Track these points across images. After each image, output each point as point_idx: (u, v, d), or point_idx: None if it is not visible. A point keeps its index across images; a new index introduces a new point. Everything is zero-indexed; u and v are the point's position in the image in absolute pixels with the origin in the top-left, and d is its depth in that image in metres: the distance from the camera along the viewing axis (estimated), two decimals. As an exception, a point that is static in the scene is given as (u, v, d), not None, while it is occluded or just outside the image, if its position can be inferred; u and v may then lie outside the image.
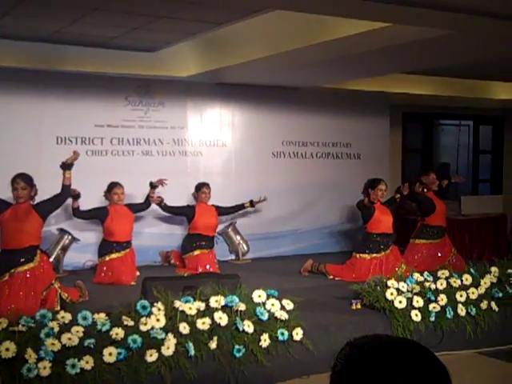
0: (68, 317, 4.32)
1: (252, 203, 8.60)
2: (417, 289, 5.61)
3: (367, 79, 9.03)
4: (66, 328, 4.22)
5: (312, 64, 7.24)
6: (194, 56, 7.90)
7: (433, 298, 5.58)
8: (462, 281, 5.88)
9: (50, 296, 5.76)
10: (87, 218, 7.48)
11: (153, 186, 7.78)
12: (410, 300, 5.49)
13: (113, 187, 7.42)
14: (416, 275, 5.80)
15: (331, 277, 7.55)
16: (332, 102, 9.69)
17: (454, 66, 7.97)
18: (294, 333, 4.82)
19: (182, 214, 8.15)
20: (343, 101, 9.74)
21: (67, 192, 6.29)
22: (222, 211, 8.31)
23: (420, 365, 1.28)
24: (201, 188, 8.07)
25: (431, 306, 5.52)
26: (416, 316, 5.41)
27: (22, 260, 5.74)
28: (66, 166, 6.18)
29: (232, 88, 8.87)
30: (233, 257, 8.88)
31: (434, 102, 10.46)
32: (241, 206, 8.58)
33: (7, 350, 3.91)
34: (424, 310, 5.48)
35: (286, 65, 7.40)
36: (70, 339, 4.13)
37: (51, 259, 6.91)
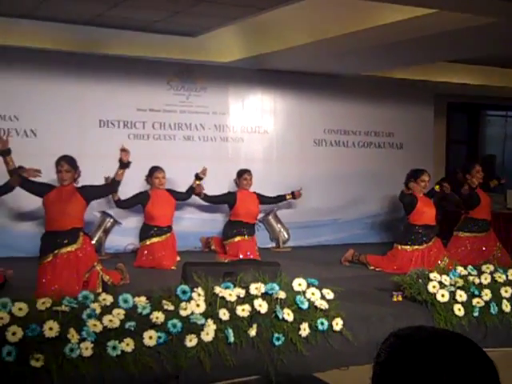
0: (109, 299, 4.33)
1: (293, 195, 8.54)
2: (460, 283, 5.49)
3: (412, 67, 8.89)
4: (107, 310, 4.24)
5: (355, 51, 7.15)
6: (236, 41, 7.87)
7: (477, 293, 5.46)
8: (507, 276, 5.74)
9: (92, 278, 5.80)
10: (131, 206, 7.51)
11: (199, 177, 7.77)
12: (452, 294, 5.38)
13: (154, 171, 7.44)
14: (459, 269, 5.68)
15: (372, 267, 7.48)
16: (375, 91, 9.57)
17: (501, 55, 7.78)
18: (333, 323, 4.77)
19: (223, 202, 8.14)
20: (387, 89, 9.61)
21: (116, 187, 6.39)
22: (263, 200, 8.28)
23: (467, 358, 1.25)
24: (242, 174, 8.05)
25: (475, 301, 5.40)
26: (459, 310, 5.30)
27: (65, 241, 5.80)
28: (124, 165, 6.16)
29: (274, 74, 8.82)
30: (273, 244, 8.86)
31: (481, 91, 10.25)
32: (282, 197, 8.54)
33: (51, 329, 3.94)
34: (467, 305, 5.36)
35: (329, 51, 7.32)
36: (111, 321, 4.15)
37: (93, 242, 6.96)
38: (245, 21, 6.86)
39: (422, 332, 1.32)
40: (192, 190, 7.79)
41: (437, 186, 7.80)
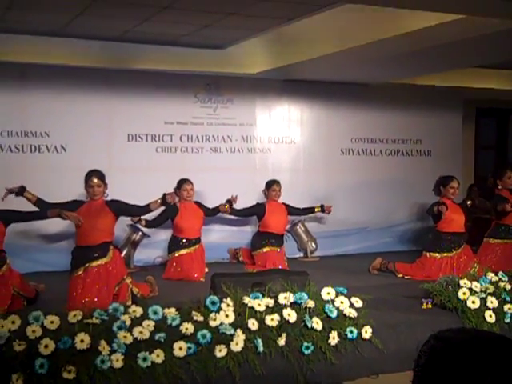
0: (139, 311, 4.39)
1: (322, 208, 8.54)
2: (491, 289, 5.44)
3: (439, 74, 8.84)
4: (137, 322, 4.29)
5: (382, 59, 7.13)
6: (263, 52, 7.91)
7: (508, 299, 5.41)
8: (538, 282, 5.67)
9: (122, 291, 5.87)
10: (161, 223, 7.47)
11: (230, 203, 7.84)
12: (483, 300, 5.33)
13: (182, 183, 7.50)
14: (490, 275, 5.63)
15: (400, 275, 7.44)
16: (402, 98, 9.53)
17: (530, 60, 7.70)
18: (363, 331, 4.76)
19: (252, 214, 8.16)
20: (414, 96, 9.56)
21: (147, 212, 6.44)
22: (291, 211, 8.29)
23: (510, 359, 1.23)
24: (271, 185, 8.07)
25: (506, 307, 5.35)
26: (490, 317, 5.25)
27: (95, 255, 5.87)
28: (165, 203, 6.25)
29: (300, 84, 8.85)
30: (301, 254, 8.86)
31: (509, 96, 10.13)
32: (311, 210, 8.54)
33: (82, 341, 4.00)
34: (498, 311, 5.31)
35: (356, 60, 7.31)
36: (141, 333, 4.19)
37: (122, 254, 7.04)
38: (271, 32, 6.91)
39: (463, 334, 1.32)
40: (218, 210, 7.83)
41: (469, 202, 7.70)
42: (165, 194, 6.17)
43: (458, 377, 1.21)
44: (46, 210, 5.96)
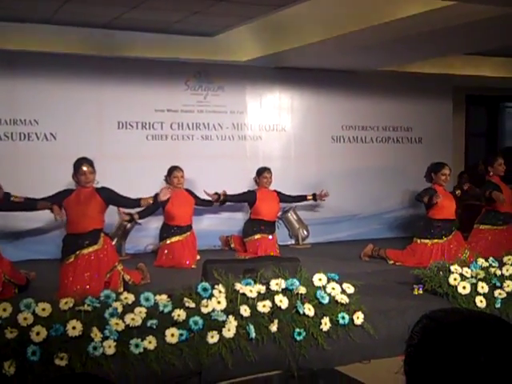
0: (131, 298, 4.38)
1: (315, 197, 8.55)
2: (481, 274, 5.48)
3: (429, 61, 8.84)
4: (129, 308, 4.28)
5: (372, 46, 7.12)
6: (253, 40, 7.88)
7: (498, 284, 5.44)
8: (529, 267, 5.71)
9: (113, 278, 5.86)
10: (153, 212, 7.35)
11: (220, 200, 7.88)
12: (474, 286, 5.36)
13: (173, 171, 7.49)
14: (480, 261, 5.65)
15: (391, 262, 7.47)
16: (393, 86, 9.53)
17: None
18: (354, 317, 4.77)
19: (243, 200, 8.18)
20: (404, 84, 9.56)
21: (137, 207, 6.49)
22: (283, 198, 8.30)
23: (504, 339, 1.23)
24: (262, 173, 8.07)
25: (497, 293, 5.38)
26: (481, 302, 5.28)
27: (86, 242, 5.86)
28: (156, 202, 6.37)
29: (291, 72, 8.83)
30: (293, 241, 8.87)
31: (499, 83, 10.16)
32: (303, 197, 8.54)
33: (74, 328, 3.99)
34: (489, 297, 5.34)
35: (346, 47, 7.30)
36: (133, 319, 4.19)
37: (113, 242, 7.02)
38: (262, 19, 6.88)
39: (456, 314, 1.32)
40: (209, 202, 7.85)
41: (458, 191, 7.71)
42: (157, 194, 6.23)
43: (450, 357, 1.22)
44: (35, 203, 5.97)
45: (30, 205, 6.08)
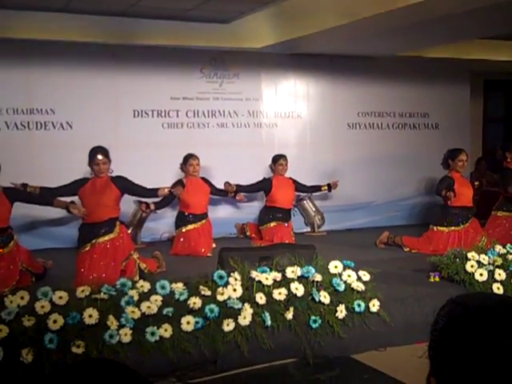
0: (147, 286, 4.40)
1: (330, 187, 8.50)
2: (499, 261, 5.44)
3: (446, 46, 8.75)
4: (145, 297, 4.30)
5: (389, 31, 7.05)
6: (268, 26, 7.84)
7: (516, 271, 5.40)
8: (546, 254, 5.65)
9: (129, 266, 5.89)
10: (170, 202, 7.31)
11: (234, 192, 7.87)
12: (491, 273, 5.33)
13: (188, 158, 7.49)
14: (498, 247, 5.62)
15: (407, 249, 7.44)
16: (409, 71, 9.44)
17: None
18: (370, 304, 4.77)
19: (259, 189, 8.14)
20: (421, 69, 9.47)
21: (154, 197, 6.51)
22: (298, 187, 8.27)
23: None
24: (278, 160, 8.05)
25: (514, 279, 5.35)
26: (498, 289, 5.24)
27: (102, 231, 5.89)
28: (172, 195, 6.58)
29: (306, 58, 8.78)
30: (308, 229, 8.86)
31: (518, 68, 10.04)
32: (317, 188, 8.52)
33: (90, 316, 4.03)
34: (506, 283, 5.30)
35: (362, 33, 7.24)
36: (149, 307, 4.21)
37: (129, 231, 7.04)
38: (276, 5, 6.83)
39: (482, 299, 1.31)
40: (224, 192, 7.82)
41: (476, 183, 7.66)
42: (173, 185, 6.23)
43: (477, 342, 1.21)
44: (51, 197, 6.00)
45: (46, 200, 6.08)
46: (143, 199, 6.91)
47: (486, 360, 1.19)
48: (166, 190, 6.28)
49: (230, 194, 7.87)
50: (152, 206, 7.01)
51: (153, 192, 6.31)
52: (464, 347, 1.22)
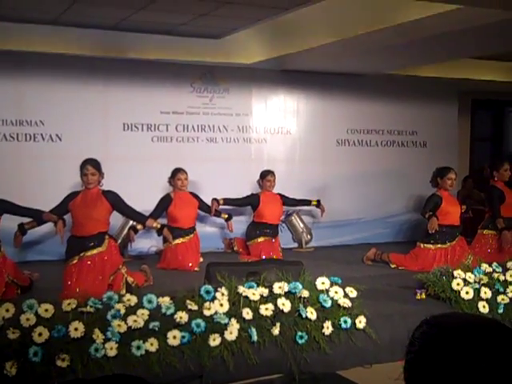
0: (134, 299, 4.39)
1: (319, 204, 8.51)
2: (485, 280, 5.47)
3: (435, 65, 8.84)
4: (131, 310, 4.29)
5: (379, 49, 7.12)
6: (259, 42, 7.89)
7: (501, 290, 5.43)
8: (532, 273, 5.69)
9: (117, 280, 5.86)
10: (159, 217, 7.19)
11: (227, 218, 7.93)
12: (477, 291, 5.36)
13: (176, 173, 7.49)
14: (484, 266, 5.64)
15: (394, 266, 7.46)
16: (398, 89, 9.52)
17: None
18: (357, 321, 4.77)
19: (246, 204, 8.16)
20: (410, 87, 9.56)
21: (137, 221, 6.52)
22: (287, 201, 8.29)
23: (505, 344, 1.22)
24: (266, 176, 8.07)
25: (500, 298, 5.37)
26: (484, 308, 5.27)
27: (91, 244, 5.87)
28: (159, 233, 6.56)
29: (297, 75, 8.83)
30: (296, 245, 8.86)
31: (506, 88, 10.13)
32: (307, 202, 8.53)
33: (76, 329, 4.00)
34: (492, 302, 5.33)
35: (352, 51, 7.30)
36: (135, 321, 4.20)
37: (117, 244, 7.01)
38: (268, 22, 6.88)
39: (457, 319, 1.30)
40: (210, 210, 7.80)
41: (463, 207, 7.66)
42: (163, 226, 6.31)
43: (453, 362, 1.21)
44: (40, 211, 5.97)
45: (35, 214, 6.04)
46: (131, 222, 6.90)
47: (462, 380, 1.19)
48: (157, 224, 6.26)
49: (213, 212, 7.81)
50: (139, 226, 6.91)
51: (141, 218, 6.29)
52: (440, 368, 1.22)
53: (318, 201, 8.52)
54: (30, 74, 7.61)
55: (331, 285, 4.86)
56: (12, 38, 7.04)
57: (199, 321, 4.33)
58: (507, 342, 1.23)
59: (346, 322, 4.72)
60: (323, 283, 4.84)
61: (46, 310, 4.12)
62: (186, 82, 8.42)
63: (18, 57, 7.38)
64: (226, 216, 7.89)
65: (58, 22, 6.92)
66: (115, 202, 6.02)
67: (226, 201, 7.89)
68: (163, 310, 4.36)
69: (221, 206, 7.92)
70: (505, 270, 5.66)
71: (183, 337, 4.26)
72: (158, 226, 6.40)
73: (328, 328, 4.64)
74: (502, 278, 5.54)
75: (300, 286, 4.73)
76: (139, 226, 6.79)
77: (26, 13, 6.60)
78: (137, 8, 6.39)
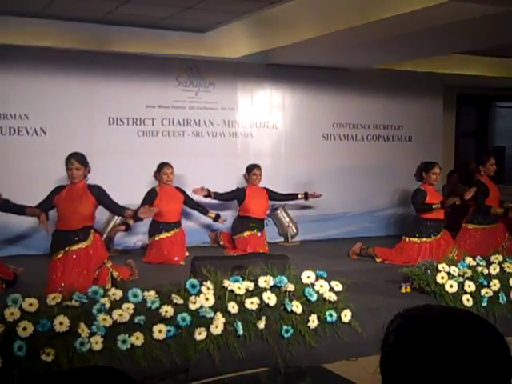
0: (119, 294, 4.38)
1: (306, 196, 8.53)
2: (469, 273, 5.51)
3: (420, 60, 8.87)
4: (117, 304, 4.28)
5: (364, 44, 7.14)
6: (245, 36, 7.88)
7: (485, 283, 5.48)
8: (516, 266, 5.74)
9: (102, 275, 5.84)
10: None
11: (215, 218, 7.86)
12: (461, 284, 5.39)
13: (162, 167, 7.47)
14: (468, 259, 5.69)
15: (380, 260, 7.49)
16: (384, 84, 9.55)
17: (511, 46, 7.73)
18: (342, 314, 4.80)
19: (232, 198, 8.14)
20: (395, 82, 9.58)
21: (119, 215, 6.57)
22: (273, 196, 8.28)
23: (480, 334, 1.23)
24: (252, 170, 8.06)
25: (483, 291, 5.41)
26: (467, 301, 5.31)
27: (76, 239, 5.83)
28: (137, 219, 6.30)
29: (283, 69, 8.83)
30: (282, 239, 8.88)
31: (490, 83, 10.20)
32: (294, 196, 8.53)
33: (61, 323, 3.99)
34: (476, 295, 5.38)
35: (338, 45, 7.31)
36: (120, 315, 4.19)
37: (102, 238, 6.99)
38: (253, 15, 6.87)
39: (431, 311, 1.31)
40: (200, 207, 7.77)
41: (457, 201, 7.63)
42: (136, 210, 6.10)
43: (428, 354, 1.21)
44: (23, 206, 5.95)
45: (19, 209, 6.02)
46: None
47: (438, 372, 1.20)
48: (131, 211, 6.12)
49: (204, 197, 7.81)
50: (131, 222, 6.87)
51: (121, 211, 6.15)
52: (415, 361, 1.22)
53: (306, 193, 8.53)
54: (14, 67, 7.55)
55: (317, 279, 4.88)
56: (-4, 31, 6.98)
57: (185, 315, 4.33)
58: (482, 333, 1.24)
59: (331, 315, 4.74)
60: (309, 277, 4.85)
61: (31, 305, 4.11)
62: (172, 76, 8.39)
63: (3, 50, 7.32)
64: (214, 216, 7.85)
65: (43, 14, 6.88)
66: (99, 196, 5.97)
67: (214, 194, 7.88)
68: (148, 304, 4.36)
69: (207, 200, 7.92)
70: (488, 263, 5.70)
71: (169, 331, 4.26)
72: (131, 212, 6.21)
73: (313, 322, 4.66)
74: (485, 271, 5.58)
75: (285, 280, 4.75)
76: (131, 222, 6.78)
77: (11, 5, 6.56)
78: (122, 1, 6.37)
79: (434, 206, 7.31)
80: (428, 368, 1.20)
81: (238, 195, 8.04)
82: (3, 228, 7.36)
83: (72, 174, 5.88)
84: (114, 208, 6.20)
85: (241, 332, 4.43)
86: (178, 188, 7.63)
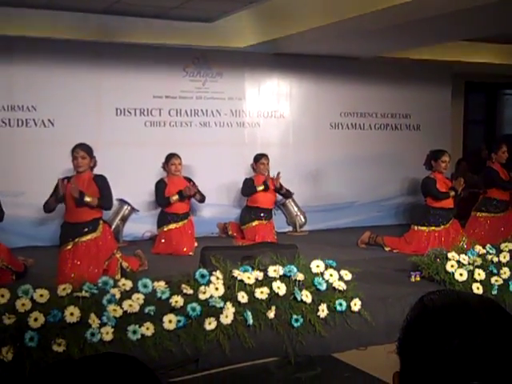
0: (129, 284, 4.39)
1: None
2: (478, 262, 5.49)
3: (428, 47, 8.81)
4: (127, 295, 4.29)
5: (372, 32, 7.09)
6: (252, 26, 7.84)
7: (495, 271, 5.45)
8: (526, 254, 5.72)
9: (112, 265, 5.86)
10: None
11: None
12: (471, 273, 5.38)
13: (170, 158, 7.46)
14: (478, 248, 5.67)
15: (388, 249, 7.48)
16: (392, 72, 9.50)
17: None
18: (352, 304, 4.79)
19: (252, 189, 7.98)
20: (403, 70, 9.53)
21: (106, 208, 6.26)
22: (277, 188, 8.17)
23: (485, 322, 1.22)
24: (259, 159, 8.04)
25: (493, 279, 5.39)
26: (477, 289, 5.29)
27: (85, 230, 5.84)
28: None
29: (290, 58, 8.79)
30: (290, 228, 8.87)
31: (499, 71, 10.12)
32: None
33: (72, 314, 4.00)
34: (486, 283, 5.35)
35: (345, 34, 7.26)
36: (131, 306, 4.20)
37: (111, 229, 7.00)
38: (260, 5, 6.83)
39: (446, 297, 1.31)
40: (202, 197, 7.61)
41: (452, 193, 7.58)
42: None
43: (429, 340, 1.21)
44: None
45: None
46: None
47: (437, 359, 1.20)
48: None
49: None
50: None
51: (106, 205, 6.04)
52: (420, 346, 1.23)
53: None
54: (22, 58, 7.55)
55: (326, 268, 4.86)
56: (3, 23, 6.98)
57: (195, 305, 4.33)
58: (498, 319, 1.23)
59: (341, 304, 4.73)
60: (318, 266, 4.84)
61: (42, 296, 4.11)
62: (179, 66, 8.37)
63: (9, 41, 7.32)
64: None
65: (50, 6, 6.87)
66: (100, 185, 5.95)
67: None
68: (158, 295, 4.36)
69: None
70: (498, 251, 5.68)
71: (179, 321, 4.26)
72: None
73: (323, 311, 4.65)
74: (495, 259, 5.56)
75: (295, 270, 4.74)
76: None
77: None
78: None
79: (451, 194, 7.28)
80: (429, 354, 1.21)
81: (248, 186, 7.96)
82: (12, 220, 7.37)
83: (77, 163, 5.87)
84: (103, 202, 5.97)
85: (251, 322, 4.43)
86: (186, 178, 7.62)
